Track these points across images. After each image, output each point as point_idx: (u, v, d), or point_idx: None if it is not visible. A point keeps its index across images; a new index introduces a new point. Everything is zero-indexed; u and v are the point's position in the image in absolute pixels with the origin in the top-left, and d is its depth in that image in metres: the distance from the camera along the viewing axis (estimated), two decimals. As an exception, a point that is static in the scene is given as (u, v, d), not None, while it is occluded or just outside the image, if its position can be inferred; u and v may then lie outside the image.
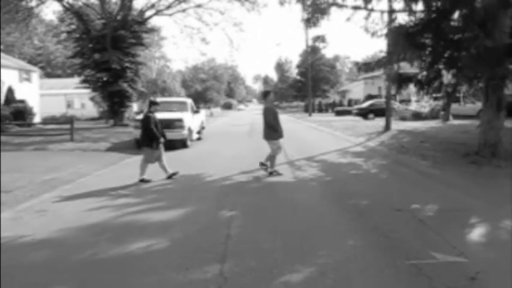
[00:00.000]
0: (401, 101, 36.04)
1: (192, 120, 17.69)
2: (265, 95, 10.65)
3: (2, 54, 37.51)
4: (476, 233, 5.71)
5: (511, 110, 21.90)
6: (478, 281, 4.10)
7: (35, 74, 39.98)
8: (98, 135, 21.86)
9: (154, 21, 76.13)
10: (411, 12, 12.62)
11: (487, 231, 5.87)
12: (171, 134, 15.85)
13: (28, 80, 37.46)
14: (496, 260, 4.68)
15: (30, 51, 67.98)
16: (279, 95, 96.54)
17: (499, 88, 11.28)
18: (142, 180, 9.62)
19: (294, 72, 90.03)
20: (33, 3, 28.59)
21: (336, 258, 4.82)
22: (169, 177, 9.91)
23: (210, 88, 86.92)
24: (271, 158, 10.22)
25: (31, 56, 65.92)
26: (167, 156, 13.88)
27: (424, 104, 30.26)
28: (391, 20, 13.24)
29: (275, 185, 9.12)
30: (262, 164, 10.36)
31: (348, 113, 40.42)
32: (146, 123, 9.79)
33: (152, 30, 34.24)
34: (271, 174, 10.06)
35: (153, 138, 9.81)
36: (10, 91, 30.94)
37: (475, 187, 8.56)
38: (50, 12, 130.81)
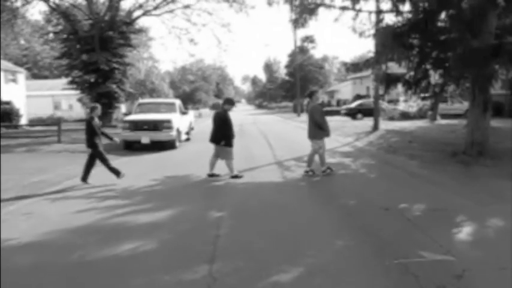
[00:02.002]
0: (389, 101, 36.20)
1: (180, 121, 17.63)
2: (311, 94, 10.60)
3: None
4: (463, 232, 5.76)
5: (497, 110, 22.23)
6: (465, 279, 4.13)
7: (21, 75, 39.63)
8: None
9: (143, 22, 75.94)
10: (398, 12, 12.71)
11: (474, 229, 5.93)
12: (159, 135, 15.84)
13: (14, 81, 37.11)
14: (483, 258, 4.72)
15: (16, 52, 67.30)
16: (268, 95, 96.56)
17: (486, 88, 11.38)
18: (236, 176, 9.72)
19: (282, 73, 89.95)
20: (18, 4, 28.24)
21: (324, 258, 4.83)
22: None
23: (198, 89, 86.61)
24: (311, 156, 10.11)
25: (17, 57, 65.22)
26: (156, 157, 13.85)
27: (412, 103, 30.43)
28: (379, 21, 13.31)
29: (264, 186, 9.12)
30: (306, 171, 10.11)
31: (337, 113, 40.51)
32: (222, 120, 9.85)
33: (140, 30, 34.06)
34: (307, 173, 9.97)
35: (231, 135, 9.88)
36: (-4, 92, 30.64)
37: (462, 186, 8.64)
38: (36, 12, 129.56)
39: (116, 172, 9.67)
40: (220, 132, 9.90)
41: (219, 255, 4.94)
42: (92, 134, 9.67)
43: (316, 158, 10.08)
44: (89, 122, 9.77)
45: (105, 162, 9.81)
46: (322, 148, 10.11)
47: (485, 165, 10.43)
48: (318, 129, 10.03)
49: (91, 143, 9.67)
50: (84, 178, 9.66)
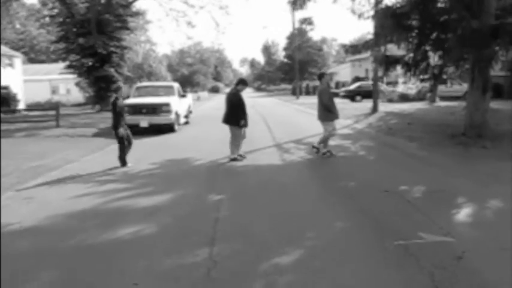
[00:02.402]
0: (388, 83, 36.12)
1: (179, 104, 17.57)
2: (320, 76, 10.62)
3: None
4: (463, 213, 5.77)
5: (497, 92, 22.18)
6: (465, 260, 4.15)
7: (18, 59, 39.30)
8: (84, 120, 21.66)
9: (139, 5, 74.96)
10: (398, -7, 12.59)
11: (474, 211, 5.94)
12: (158, 119, 15.80)
13: (11, 65, 36.77)
14: (483, 239, 4.74)
15: (12, 36, 66.72)
16: (266, 78, 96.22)
17: (485, 70, 11.35)
18: (235, 159, 9.77)
19: (281, 55, 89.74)
20: (13, -14, 27.99)
21: (324, 240, 4.85)
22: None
23: (196, 72, 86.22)
24: (325, 139, 10.16)
25: (13, 41, 64.69)
26: (155, 141, 13.83)
27: (411, 85, 30.38)
28: (378, 2, 13.24)
29: (263, 168, 9.12)
30: (313, 147, 10.35)
31: (335, 95, 40.41)
32: (236, 101, 9.83)
33: (137, 13, 33.78)
34: (324, 154, 10.03)
35: (242, 116, 9.84)
36: (-7, 77, 30.41)
37: (461, 168, 8.66)
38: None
39: (123, 162, 9.65)
40: (233, 113, 9.88)
41: (219, 238, 4.95)
42: (116, 115, 9.64)
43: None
44: (114, 103, 9.73)
45: (120, 146, 9.75)
46: (325, 130, 10.15)
47: (484, 146, 10.44)
48: (327, 112, 10.03)
49: (115, 125, 9.66)
50: (122, 163, 9.67)
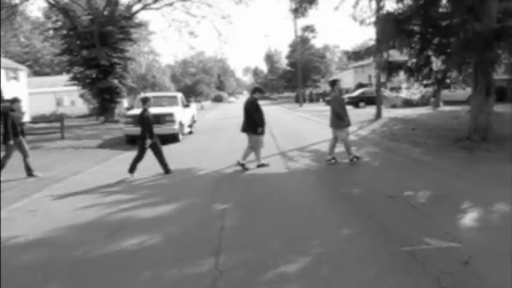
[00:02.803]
0: (391, 89, 36.14)
1: (183, 114, 17.63)
2: (332, 84, 10.58)
3: (-12, 53, 37.06)
4: (469, 218, 5.74)
5: (500, 95, 22.13)
6: (471, 265, 4.12)
7: (23, 72, 39.58)
8: (89, 132, 21.74)
9: (142, 16, 75.48)
10: (399, -1, 12.61)
11: (480, 215, 5.91)
12: (162, 129, 15.82)
13: (15, 78, 37.07)
14: (489, 244, 4.70)
15: (17, 50, 67.16)
16: (270, 86, 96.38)
17: (488, 73, 11.33)
18: (262, 165, 9.91)
19: (283, 63, 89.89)
20: (17, 0, 28.21)
21: (330, 247, 4.83)
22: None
23: (200, 81, 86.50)
24: (348, 147, 10.11)
25: (18, 55, 65.12)
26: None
27: (414, 91, 30.33)
28: (379, 8, 13.24)
29: (268, 177, 9.11)
30: (351, 159, 10.09)
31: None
32: (253, 109, 9.86)
33: (140, 25, 33.99)
34: (351, 160, 9.97)
35: (260, 124, 9.86)
36: (-3, 90, 30.54)
37: (466, 172, 8.61)
38: (35, 9, 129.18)
39: (132, 170, 9.71)
40: (251, 121, 9.90)
41: (225, 247, 4.94)
42: (144, 126, 9.70)
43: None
44: (142, 114, 9.80)
45: (138, 156, 9.81)
46: (338, 138, 10.15)
47: (489, 150, 10.40)
48: (339, 119, 10.05)
49: (143, 135, 9.71)
50: (166, 170, 9.83)
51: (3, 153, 10.05)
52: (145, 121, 9.66)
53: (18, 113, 10.28)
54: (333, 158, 10.10)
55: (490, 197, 6.58)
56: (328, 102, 44.00)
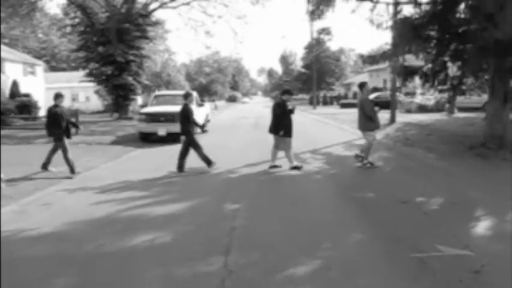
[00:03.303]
0: (406, 94, 35.84)
1: (197, 113, 17.64)
2: (361, 86, 10.55)
3: (7, 48, 37.55)
4: (482, 226, 5.68)
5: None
6: (483, 274, 4.08)
7: (40, 67, 40.00)
8: (103, 128, 21.91)
9: (159, 14, 75.68)
10: (417, 4, 12.56)
11: (493, 224, 5.84)
12: (176, 127, 15.86)
13: (33, 73, 37.47)
14: (502, 253, 4.64)
15: (35, 45, 67.91)
16: (283, 88, 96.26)
17: (506, 80, 11.20)
18: (296, 167, 9.79)
19: (298, 65, 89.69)
20: (36, -3, 28.57)
21: (340, 251, 4.82)
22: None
23: (214, 81, 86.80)
24: (367, 149, 10.13)
25: (35, 50, 65.85)
26: (172, 149, 13.91)
27: (429, 96, 30.07)
28: (397, 12, 13.18)
29: (280, 178, 9.11)
30: (357, 155, 10.24)
31: (353, 105, 40.21)
32: (281, 110, 9.86)
33: (156, 23, 34.14)
34: (364, 165, 10.00)
35: (290, 125, 9.88)
36: (15, 85, 30.95)
37: (480, 180, 8.53)
38: (54, 5, 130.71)
39: (208, 161, 9.91)
40: (280, 122, 9.88)
41: (235, 247, 4.96)
42: (186, 121, 9.87)
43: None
44: (184, 108, 9.96)
45: (198, 150, 9.99)
46: (366, 140, 10.16)
47: (504, 158, 10.28)
48: (369, 121, 10.03)
49: (185, 130, 9.90)
50: (180, 167, 9.89)
51: (59, 152, 10.00)
52: (187, 115, 9.90)
53: (62, 108, 10.24)
54: (369, 162, 10.10)
55: (504, 206, 6.49)
56: (342, 106, 44.00)
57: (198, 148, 9.98)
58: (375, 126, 10.17)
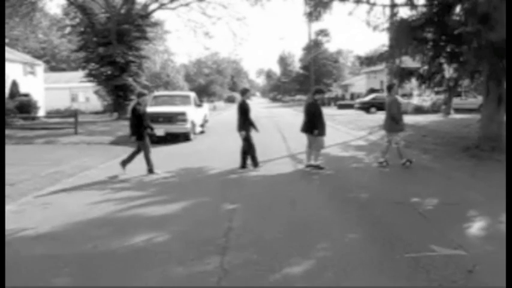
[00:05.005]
0: (403, 95, 35.91)
1: (195, 113, 17.74)
2: (389, 88, 10.65)
3: (6, 48, 37.53)
4: (475, 227, 5.76)
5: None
6: (476, 274, 4.16)
7: (40, 67, 39.95)
8: (102, 128, 21.95)
9: (158, 15, 75.55)
10: (413, 6, 12.64)
11: (486, 224, 5.92)
12: (174, 127, 15.97)
13: (33, 73, 37.43)
14: (494, 253, 4.71)
15: (35, 45, 67.77)
16: (282, 88, 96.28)
17: (500, 82, 11.28)
18: (318, 167, 9.86)
19: (296, 66, 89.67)
20: (36, -3, 28.63)
21: (335, 251, 4.89)
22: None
23: (213, 82, 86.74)
24: (401, 152, 10.22)
25: (35, 50, 65.74)
26: (170, 150, 13.97)
27: (425, 98, 30.19)
28: (393, 14, 13.24)
29: (277, 179, 9.18)
30: (380, 163, 10.32)
31: (350, 106, 40.32)
32: (314, 109, 9.92)
33: (156, 24, 34.22)
34: (404, 164, 10.10)
35: (323, 124, 9.95)
36: (14, 85, 30.92)
37: (475, 181, 8.61)
38: (54, 5, 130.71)
39: (255, 162, 10.09)
40: (313, 121, 9.92)
41: (231, 247, 5.02)
42: (244, 117, 10.00)
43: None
44: (242, 104, 10.09)
45: (251, 148, 10.12)
46: (392, 142, 10.26)
47: (498, 160, 10.34)
48: (394, 123, 10.13)
49: (244, 126, 10.03)
50: (255, 164, 10.13)
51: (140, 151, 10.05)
52: (245, 109, 10.00)
53: (144, 107, 10.21)
54: (385, 161, 10.19)
55: (498, 207, 6.53)
56: (339, 107, 44.00)
57: (250, 146, 10.11)
58: (400, 128, 10.23)
